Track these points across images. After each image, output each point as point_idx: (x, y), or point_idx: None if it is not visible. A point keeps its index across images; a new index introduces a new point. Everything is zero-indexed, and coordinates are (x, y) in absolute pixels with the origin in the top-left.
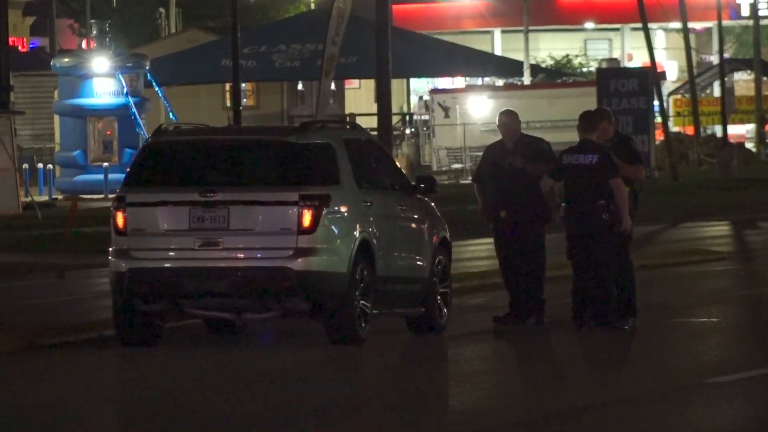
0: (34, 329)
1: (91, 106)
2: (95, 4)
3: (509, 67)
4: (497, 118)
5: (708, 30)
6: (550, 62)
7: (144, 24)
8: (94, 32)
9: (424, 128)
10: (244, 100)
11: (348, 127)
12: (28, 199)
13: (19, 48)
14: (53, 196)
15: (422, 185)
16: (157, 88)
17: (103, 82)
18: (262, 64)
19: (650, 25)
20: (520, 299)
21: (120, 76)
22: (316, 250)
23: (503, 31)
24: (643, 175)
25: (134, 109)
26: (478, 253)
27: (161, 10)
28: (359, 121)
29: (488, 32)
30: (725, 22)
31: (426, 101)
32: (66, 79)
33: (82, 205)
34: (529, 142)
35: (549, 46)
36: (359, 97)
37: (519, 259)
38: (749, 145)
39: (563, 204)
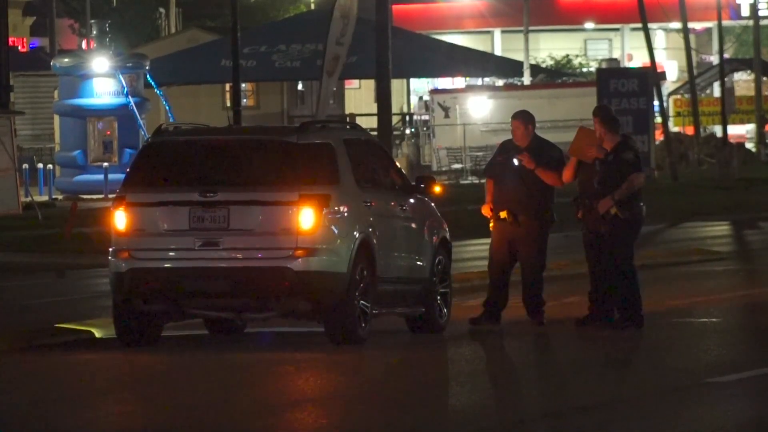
0: (34, 329)
1: (91, 106)
2: (95, 4)
3: (509, 68)
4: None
5: (708, 30)
6: (550, 62)
7: (144, 24)
8: (94, 32)
9: (424, 128)
10: (244, 100)
11: (348, 127)
12: (28, 199)
13: (19, 48)
14: (53, 196)
15: (422, 185)
16: (156, 89)
17: (103, 82)
18: (262, 64)
19: (650, 25)
20: (497, 299)
21: (120, 76)
22: (316, 250)
23: (503, 31)
24: None
25: (135, 109)
26: (478, 253)
27: (161, 10)
28: (359, 121)
29: (488, 32)
30: (725, 22)
31: (426, 101)
32: (66, 79)
33: (82, 205)
34: (543, 147)
35: (549, 47)
36: (359, 97)
37: (513, 259)
38: (749, 145)
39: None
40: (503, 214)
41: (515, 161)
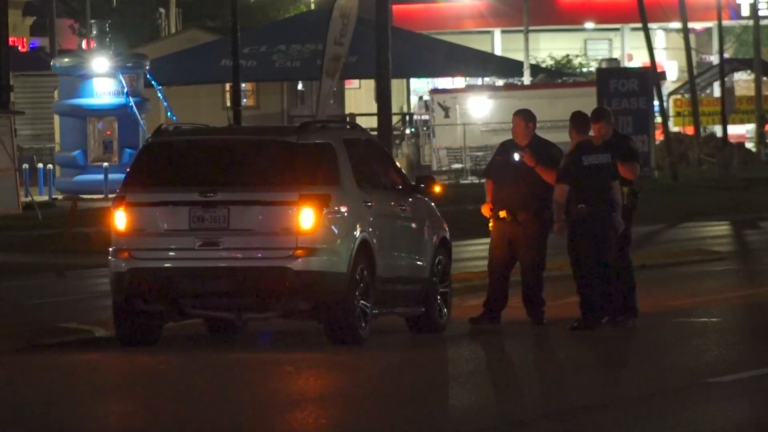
0: (34, 329)
1: (91, 106)
2: (95, 4)
3: (509, 67)
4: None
5: (708, 30)
6: (550, 62)
7: (144, 24)
8: (94, 32)
9: (424, 128)
10: (244, 100)
11: (348, 127)
12: (28, 199)
13: (19, 48)
14: (53, 196)
15: (422, 185)
16: (157, 89)
17: (103, 82)
18: (262, 64)
19: (650, 25)
20: (497, 299)
21: (120, 76)
22: (316, 250)
23: (503, 31)
24: (638, 173)
25: (134, 109)
26: (478, 253)
27: (161, 10)
28: (359, 121)
29: (488, 32)
30: (725, 22)
31: (426, 101)
32: (66, 79)
33: (82, 205)
34: (542, 146)
35: (549, 46)
36: (359, 97)
37: (513, 258)
38: (749, 145)
39: (581, 205)
40: (503, 214)
41: (516, 156)
